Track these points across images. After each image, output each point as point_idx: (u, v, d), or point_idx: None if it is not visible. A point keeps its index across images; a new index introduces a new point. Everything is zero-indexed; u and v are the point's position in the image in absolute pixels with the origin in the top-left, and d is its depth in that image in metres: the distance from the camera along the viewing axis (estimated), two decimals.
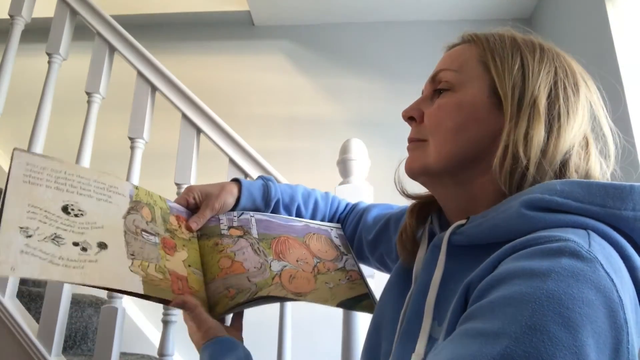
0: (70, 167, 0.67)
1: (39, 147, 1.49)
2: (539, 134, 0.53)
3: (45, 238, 0.57)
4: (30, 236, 0.56)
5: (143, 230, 0.67)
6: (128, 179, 1.41)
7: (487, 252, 0.48)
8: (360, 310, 0.76)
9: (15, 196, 0.58)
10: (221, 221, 0.80)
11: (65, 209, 0.62)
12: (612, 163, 0.57)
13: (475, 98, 0.56)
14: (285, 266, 0.75)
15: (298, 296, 0.70)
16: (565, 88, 0.56)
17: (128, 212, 0.68)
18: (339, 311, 1.11)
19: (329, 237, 0.85)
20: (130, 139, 1.47)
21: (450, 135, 0.56)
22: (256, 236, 0.78)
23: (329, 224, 0.89)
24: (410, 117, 0.62)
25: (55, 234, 0.58)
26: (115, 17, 1.64)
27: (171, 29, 2.83)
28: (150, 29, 2.80)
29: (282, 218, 0.84)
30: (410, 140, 0.62)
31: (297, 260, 0.77)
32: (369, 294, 0.76)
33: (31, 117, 1.53)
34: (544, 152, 0.53)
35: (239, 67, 2.74)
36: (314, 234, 0.84)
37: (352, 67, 2.65)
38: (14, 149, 0.63)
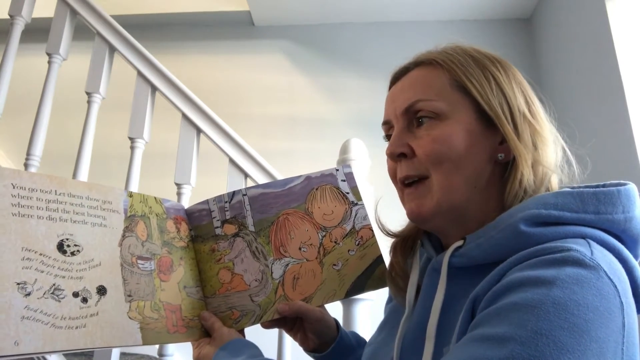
0: (60, 183, 0.64)
1: (39, 147, 1.49)
2: (544, 143, 0.55)
3: (45, 293, 0.56)
4: (29, 294, 0.55)
5: (139, 257, 0.68)
6: (128, 179, 1.41)
7: (488, 271, 0.48)
8: (373, 288, 0.73)
9: (7, 237, 0.55)
10: (213, 213, 0.77)
11: (60, 247, 0.60)
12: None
13: (467, 124, 0.55)
14: (287, 265, 0.74)
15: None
16: (531, 97, 0.58)
17: (123, 236, 0.67)
18: (339, 310, 1.11)
19: (335, 184, 0.79)
20: (130, 139, 1.47)
21: (454, 166, 0.54)
22: (252, 228, 0.76)
23: (331, 167, 0.82)
24: (400, 153, 0.57)
25: (54, 284, 0.57)
26: (115, 17, 1.64)
27: (171, 29, 2.83)
28: (150, 29, 2.80)
29: (279, 183, 0.79)
30: (406, 178, 0.57)
31: (300, 248, 0.75)
32: (382, 257, 0.74)
33: (31, 117, 1.53)
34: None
35: (239, 67, 2.73)
36: (317, 188, 0.78)
37: (352, 67, 2.65)
38: None
